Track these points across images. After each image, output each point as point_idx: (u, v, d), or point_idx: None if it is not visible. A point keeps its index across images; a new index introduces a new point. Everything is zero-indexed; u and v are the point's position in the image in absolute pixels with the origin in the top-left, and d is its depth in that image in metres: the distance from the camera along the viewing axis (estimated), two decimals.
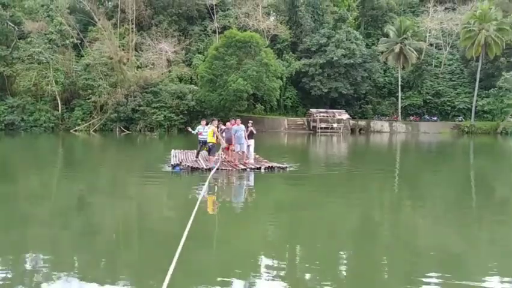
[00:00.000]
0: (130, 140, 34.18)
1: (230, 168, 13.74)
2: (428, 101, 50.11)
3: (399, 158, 22.93)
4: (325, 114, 45.90)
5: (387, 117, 49.43)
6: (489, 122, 47.00)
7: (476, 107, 47.13)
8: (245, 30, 43.10)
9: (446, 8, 51.72)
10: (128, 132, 40.19)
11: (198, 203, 7.41)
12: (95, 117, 41.25)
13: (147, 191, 11.46)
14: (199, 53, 46.81)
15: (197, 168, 13.58)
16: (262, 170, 13.71)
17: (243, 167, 13.87)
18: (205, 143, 14.53)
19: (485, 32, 45.15)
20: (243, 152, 14.59)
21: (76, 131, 40.12)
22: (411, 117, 49.45)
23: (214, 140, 14.04)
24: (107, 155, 23.87)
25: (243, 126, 14.64)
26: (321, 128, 44.97)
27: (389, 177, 14.54)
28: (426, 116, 49.52)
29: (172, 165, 13.83)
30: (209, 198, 9.86)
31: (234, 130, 14.43)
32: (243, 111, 41.01)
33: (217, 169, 13.24)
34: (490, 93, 47.70)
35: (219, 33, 46.09)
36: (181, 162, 13.85)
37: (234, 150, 14.80)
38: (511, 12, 47.66)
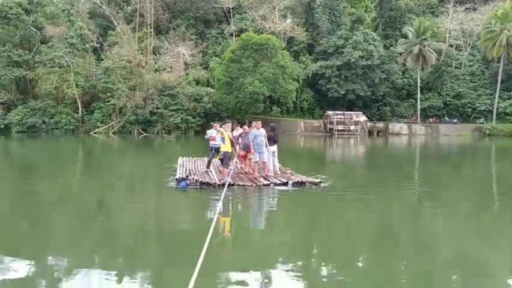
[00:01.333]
0: (147, 143, 31.50)
1: (249, 184, 10.17)
2: (448, 103, 45.45)
3: (436, 168, 18.67)
4: (342, 117, 42.06)
5: (406, 119, 45.10)
6: (511, 124, 42.36)
7: (497, 109, 42.57)
8: (262, 33, 40.00)
9: (466, 9, 46.92)
10: (146, 134, 38.08)
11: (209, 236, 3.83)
12: (114, 119, 39.14)
13: (134, 222, 8.02)
14: (216, 55, 43.87)
15: (208, 184, 10.08)
16: (290, 186, 10.14)
17: (264, 181, 10.34)
18: (217, 150, 11.15)
19: (507, 33, 40.81)
20: (264, 162, 11.11)
21: (95, 133, 38.17)
22: (431, 119, 44.88)
23: (229, 148, 10.61)
24: (115, 161, 20.75)
25: (263, 131, 11.17)
26: (338, 130, 41.15)
27: (442, 196, 10.80)
28: (446, 118, 44.90)
29: (176, 179, 10.31)
30: (223, 224, 6.44)
31: (253, 135, 10.96)
32: (260, 114, 38.05)
33: (232, 184, 9.77)
34: None
35: (236, 36, 43.13)
36: (187, 176, 10.37)
37: (251, 159, 11.36)
38: None
